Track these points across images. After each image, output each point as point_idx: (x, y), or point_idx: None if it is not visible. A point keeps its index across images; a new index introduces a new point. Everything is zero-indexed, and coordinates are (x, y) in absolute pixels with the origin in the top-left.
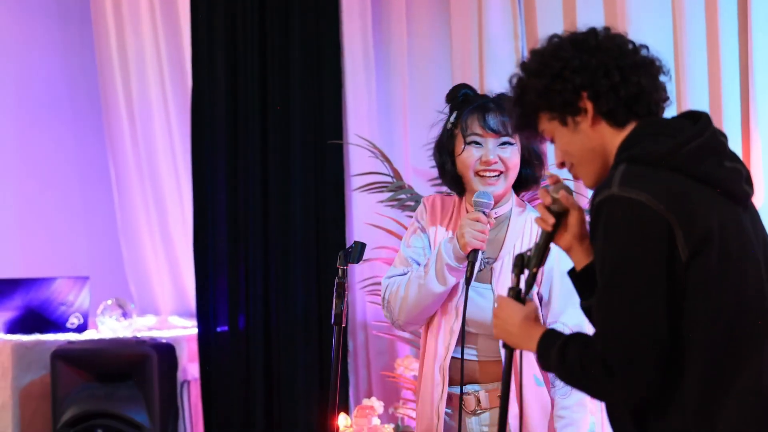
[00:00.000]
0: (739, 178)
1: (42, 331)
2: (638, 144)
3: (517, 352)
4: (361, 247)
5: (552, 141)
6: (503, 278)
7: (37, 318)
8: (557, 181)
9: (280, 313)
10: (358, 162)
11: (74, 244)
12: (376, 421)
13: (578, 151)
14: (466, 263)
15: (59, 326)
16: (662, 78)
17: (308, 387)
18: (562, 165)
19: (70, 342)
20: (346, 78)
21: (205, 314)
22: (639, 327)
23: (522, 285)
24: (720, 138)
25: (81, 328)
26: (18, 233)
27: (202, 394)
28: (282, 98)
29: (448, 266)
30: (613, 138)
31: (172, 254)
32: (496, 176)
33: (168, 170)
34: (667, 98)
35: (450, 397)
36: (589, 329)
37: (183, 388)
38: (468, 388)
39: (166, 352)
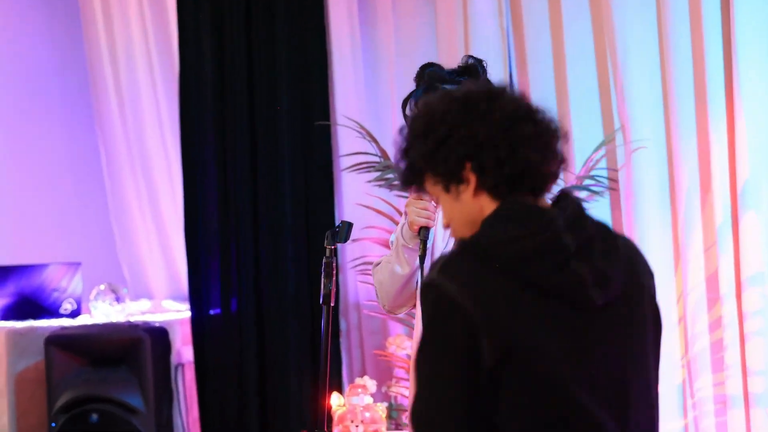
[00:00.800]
0: (580, 283)
1: (35, 317)
2: (483, 230)
3: None
4: (348, 226)
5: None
6: None
7: (30, 304)
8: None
9: (271, 294)
10: (346, 142)
11: (66, 229)
12: (368, 399)
13: (458, 219)
14: (418, 242)
15: (52, 312)
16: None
17: (301, 367)
18: (447, 225)
19: (63, 327)
20: (332, 58)
21: (197, 297)
22: (435, 413)
23: None
24: (572, 235)
25: (74, 314)
26: (9, 220)
27: (197, 376)
28: (269, 79)
29: (405, 247)
30: (491, 210)
31: (164, 238)
32: None
33: (158, 154)
34: (560, 167)
35: None
36: None
37: (177, 372)
38: None
39: (159, 335)
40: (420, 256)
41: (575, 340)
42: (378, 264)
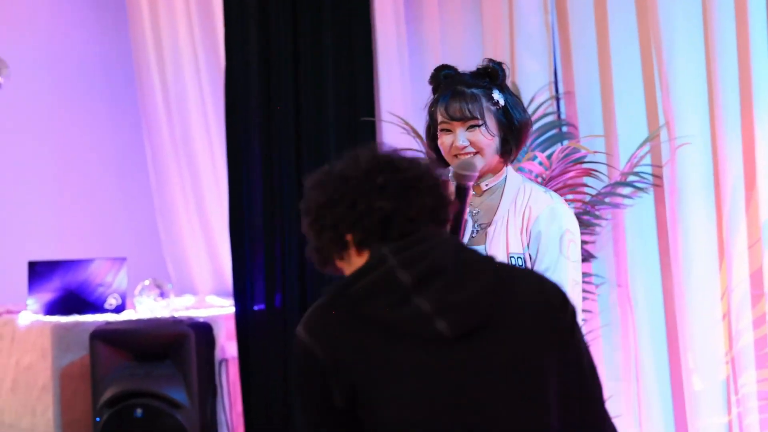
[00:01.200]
0: (422, 317)
1: (81, 312)
2: (342, 278)
3: None
4: None
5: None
6: (495, 241)
7: (75, 299)
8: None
9: (316, 290)
10: (391, 139)
11: (112, 225)
12: None
13: None
14: None
15: (97, 307)
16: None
17: None
18: None
19: (108, 323)
20: (378, 55)
21: (242, 292)
22: None
23: None
24: (409, 270)
25: (119, 309)
26: (55, 215)
27: (241, 372)
28: (315, 76)
29: None
30: None
31: (209, 234)
32: (471, 155)
33: (204, 150)
34: (432, 209)
35: None
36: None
37: (221, 367)
38: None
39: (203, 331)
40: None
41: (426, 376)
42: None
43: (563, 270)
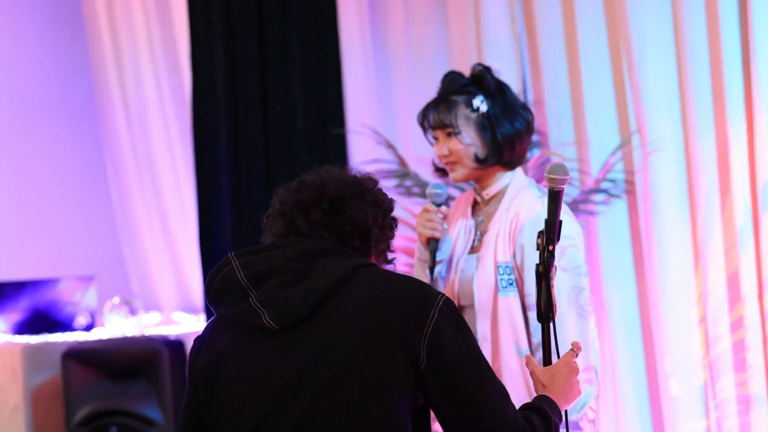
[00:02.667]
0: (253, 312)
1: (50, 331)
2: None
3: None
4: None
5: None
6: (486, 247)
7: (44, 319)
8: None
9: None
10: (360, 150)
11: (77, 243)
12: None
13: None
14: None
15: (67, 326)
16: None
17: None
18: None
19: (80, 341)
20: (344, 67)
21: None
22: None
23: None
24: (247, 271)
25: (89, 327)
26: (20, 235)
27: None
28: (283, 89)
29: (419, 260)
30: None
31: (173, 250)
32: (452, 164)
33: (166, 166)
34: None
35: None
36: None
37: None
38: None
39: (175, 348)
40: (430, 267)
41: (249, 360)
42: None
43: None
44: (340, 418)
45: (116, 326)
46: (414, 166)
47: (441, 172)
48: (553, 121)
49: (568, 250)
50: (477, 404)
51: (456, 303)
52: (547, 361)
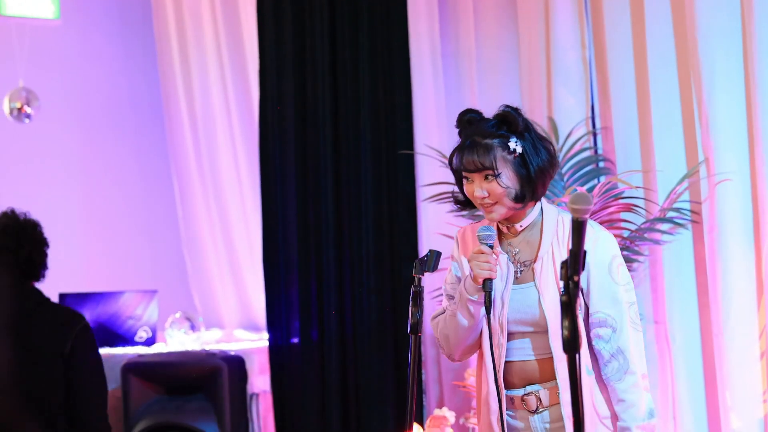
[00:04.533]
0: None
1: (111, 344)
2: None
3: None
4: (436, 255)
5: None
6: (544, 276)
7: (106, 332)
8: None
9: (354, 324)
10: (428, 172)
11: (141, 257)
12: (449, 431)
13: None
14: (482, 294)
15: (128, 340)
16: None
17: (383, 397)
18: None
19: (140, 355)
20: (414, 87)
21: (275, 326)
22: None
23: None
24: None
25: (149, 342)
26: (84, 247)
27: (274, 406)
28: (352, 108)
29: (469, 300)
30: None
31: (236, 267)
32: (491, 205)
33: (231, 183)
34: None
35: (511, 399)
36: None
37: (252, 401)
38: (529, 388)
39: (236, 364)
40: (486, 306)
41: None
42: (437, 317)
43: (618, 296)
44: None
45: (177, 341)
46: None
47: (463, 206)
48: (621, 148)
49: (621, 267)
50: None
51: (505, 333)
52: (574, 392)
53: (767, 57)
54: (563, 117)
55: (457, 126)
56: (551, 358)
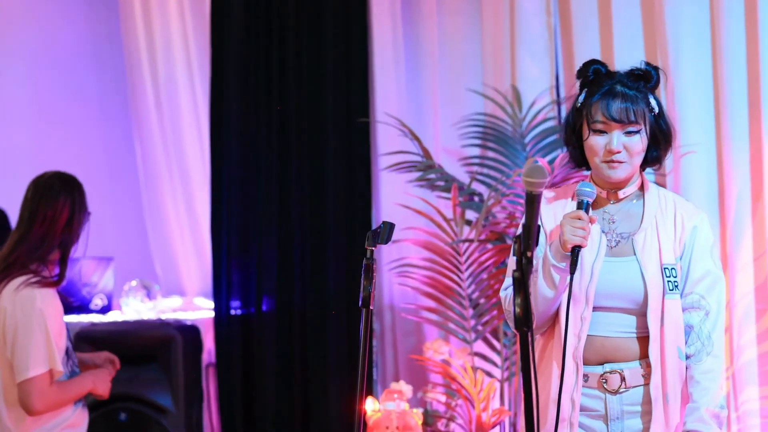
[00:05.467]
0: None
1: (65, 312)
2: None
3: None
4: (389, 227)
5: None
6: (647, 249)
7: (61, 299)
8: None
9: (311, 294)
10: (387, 141)
11: (99, 224)
12: (405, 405)
13: None
14: (568, 261)
15: (83, 308)
16: None
17: (338, 370)
18: None
19: (93, 324)
20: (374, 56)
21: (225, 295)
22: None
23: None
24: None
25: (105, 310)
26: None
27: (219, 378)
28: (314, 77)
29: (554, 267)
30: None
31: (198, 235)
32: (620, 162)
33: (194, 151)
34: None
35: (586, 376)
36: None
37: (208, 371)
38: (607, 366)
39: (190, 334)
40: (571, 274)
41: None
42: (506, 289)
43: (716, 280)
44: None
45: (132, 310)
46: (440, 158)
47: (578, 165)
48: None
49: (717, 251)
50: None
51: (591, 306)
52: (526, 370)
53: (734, 27)
54: (527, 86)
55: (579, 76)
56: (639, 337)
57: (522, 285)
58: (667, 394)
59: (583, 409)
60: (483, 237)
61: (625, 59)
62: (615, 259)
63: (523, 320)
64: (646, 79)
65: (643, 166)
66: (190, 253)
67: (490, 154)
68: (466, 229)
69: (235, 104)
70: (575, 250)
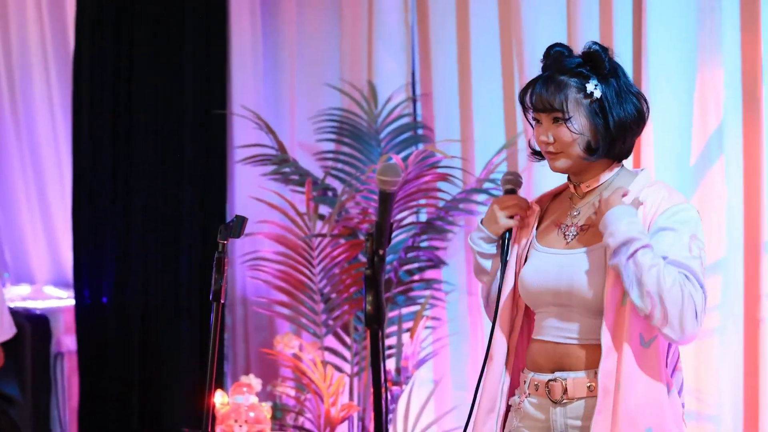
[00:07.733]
0: None
1: None
2: None
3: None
4: (242, 221)
5: None
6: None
7: None
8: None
9: (161, 286)
10: (243, 134)
11: None
12: (254, 399)
13: None
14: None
15: None
16: None
17: (188, 363)
18: None
19: None
20: (232, 47)
21: (82, 285)
22: None
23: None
24: None
25: None
26: None
27: (79, 367)
28: (173, 69)
29: (481, 254)
30: None
31: (49, 223)
32: (555, 154)
33: (47, 137)
34: None
35: (535, 385)
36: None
37: (56, 361)
38: (557, 374)
39: (39, 323)
40: (502, 263)
41: None
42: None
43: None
44: None
45: None
46: (296, 152)
47: (538, 156)
48: (440, 116)
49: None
50: None
51: (497, 313)
52: (376, 370)
53: (592, 26)
54: (383, 81)
55: (542, 61)
56: (589, 345)
57: (374, 283)
58: (620, 383)
59: (525, 418)
60: (336, 232)
61: (481, 57)
62: (560, 251)
63: (374, 318)
64: (591, 62)
65: (612, 158)
66: (41, 241)
67: (345, 149)
68: (319, 223)
69: (91, 95)
70: (505, 234)
